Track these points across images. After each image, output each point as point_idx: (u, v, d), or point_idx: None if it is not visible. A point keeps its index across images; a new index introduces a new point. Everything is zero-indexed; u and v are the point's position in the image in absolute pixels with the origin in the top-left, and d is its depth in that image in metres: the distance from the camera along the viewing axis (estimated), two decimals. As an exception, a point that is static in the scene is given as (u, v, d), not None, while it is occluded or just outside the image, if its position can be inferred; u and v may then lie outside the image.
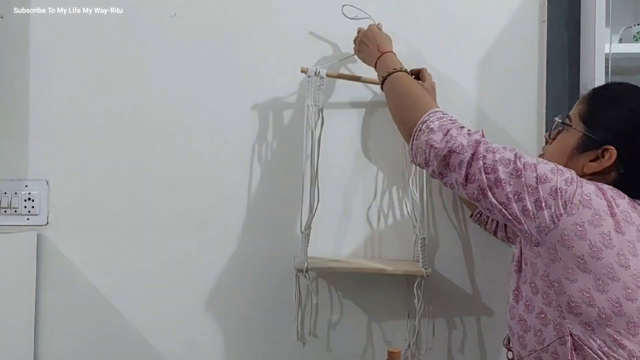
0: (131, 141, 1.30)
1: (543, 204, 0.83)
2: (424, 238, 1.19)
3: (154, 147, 1.30)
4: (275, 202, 1.30)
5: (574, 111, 0.95)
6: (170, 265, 1.30)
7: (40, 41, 1.31)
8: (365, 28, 1.21)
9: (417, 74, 1.22)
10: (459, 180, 0.88)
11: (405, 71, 1.08)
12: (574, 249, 0.81)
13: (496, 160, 0.85)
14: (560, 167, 0.86)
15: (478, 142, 0.87)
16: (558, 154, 0.94)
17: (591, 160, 0.90)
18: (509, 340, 0.98)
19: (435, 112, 0.95)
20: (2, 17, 1.30)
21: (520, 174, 0.84)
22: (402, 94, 1.04)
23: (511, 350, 0.97)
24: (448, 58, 1.29)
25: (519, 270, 0.93)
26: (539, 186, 0.83)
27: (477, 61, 1.29)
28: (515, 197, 0.84)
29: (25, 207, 1.29)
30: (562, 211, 0.82)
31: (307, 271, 1.17)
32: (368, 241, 1.29)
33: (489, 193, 0.86)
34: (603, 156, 0.88)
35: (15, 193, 1.29)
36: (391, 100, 1.06)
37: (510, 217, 0.85)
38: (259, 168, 1.30)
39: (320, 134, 1.19)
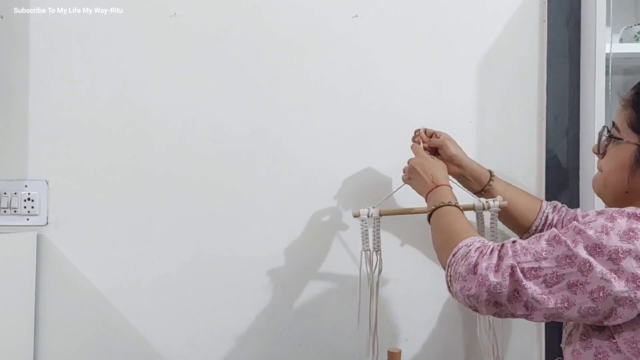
0: (131, 141, 1.30)
1: (638, 281, 0.69)
2: None
3: (154, 147, 1.30)
4: (276, 202, 1.30)
5: (620, 118, 0.84)
6: (170, 265, 1.30)
7: (40, 41, 1.31)
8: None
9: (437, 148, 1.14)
10: (520, 314, 0.75)
11: (455, 205, 0.95)
12: None
13: (556, 265, 0.72)
14: (624, 223, 0.72)
15: (512, 268, 0.74)
16: (616, 172, 0.84)
17: None
18: None
19: (460, 249, 0.81)
20: (2, 17, 1.30)
21: (590, 265, 0.70)
22: (438, 232, 0.92)
23: None
24: (448, 58, 1.29)
25: None
26: (621, 264, 0.69)
27: (477, 61, 1.29)
28: (601, 294, 0.70)
29: (25, 207, 1.29)
30: None
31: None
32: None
33: (564, 312, 0.72)
34: None
35: (15, 193, 1.29)
36: (432, 234, 0.95)
37: (603, 319, 0.72)
38: (259, 168, 1.30)
39: (378, 279, 1.11)
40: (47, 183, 1.30)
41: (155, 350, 1.30)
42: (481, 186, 1.13)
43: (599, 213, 0.76)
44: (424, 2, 1.30)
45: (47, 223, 1.30)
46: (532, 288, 0.73)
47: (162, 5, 1.30)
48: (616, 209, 0.75)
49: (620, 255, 0.70)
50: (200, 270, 1.30)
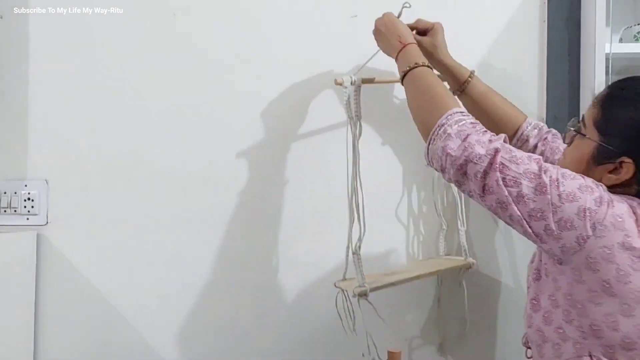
0: (131, 141, 1.30)
1: (568, 225, 0.77)
2: (465, 230, 1.24)
3: (154, 147, 1.30)
4: (277, 200, 1.30)
5: (588, 115, 0.88)
6: (171, 265, 1.30)
7: (40, 41, 1.31)
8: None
9: (425, 31, 1.15)
10: (477, 191, 0.83)
11: (428, 66, 0.99)
12: (600, 273, 0.77)
13: (520, 173, 0.79)
14: (590, 182, 0.79)
15: (497, 151, 0.81)
16: (574, 164, 0.87)
17: (609, 172, 0.83)
18: (527, 339, 0.94)
19: (454, 113, 0.87)
20: (2, 17, 1.30)
21: (545, 190, 0.78)
22: (422, 92, 0.96)
23: (530, 349, 0.93)
24: (448, 58, 1.29)
25: (538, 279, 0.89)
26: (565, 205, 0.77)
27: (477, 61, 1.29)
28: (539, 215, 0.78)
29: (25, 206, 1.29)
30: (590, 233, 0.76)
31: (368, 294, 1.08)
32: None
33: (510, 207, 0.80)
34: (622, 167, 0.81)
35: (15, 193, 1.29)
36: (410, 98, 0.98)
37: (532, 234, 0.81)
38: (258, 168, 1.30)
39: (358, 144, 1.13)
40: (47, 182, 1.30)
41: (155, 350, 1.30)
42: (458, 84, 1.13)
43: None
44: (423, 2, 1.30)
45: (47, 222, 1.30)
46: (497, 176, 0.80)
47: (162, 5, 1.30)
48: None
49: (570, 198, 0.77)
50: (201, 269, 1.30)
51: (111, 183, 1.30)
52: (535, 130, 1.10)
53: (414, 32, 1.15)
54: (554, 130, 1.10)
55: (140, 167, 1.30)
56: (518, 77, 1.29)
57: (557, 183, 0.78)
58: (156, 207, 1.30)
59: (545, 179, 0.78)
